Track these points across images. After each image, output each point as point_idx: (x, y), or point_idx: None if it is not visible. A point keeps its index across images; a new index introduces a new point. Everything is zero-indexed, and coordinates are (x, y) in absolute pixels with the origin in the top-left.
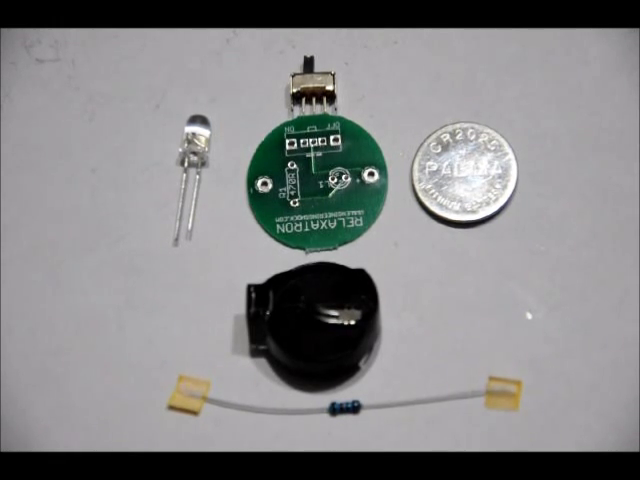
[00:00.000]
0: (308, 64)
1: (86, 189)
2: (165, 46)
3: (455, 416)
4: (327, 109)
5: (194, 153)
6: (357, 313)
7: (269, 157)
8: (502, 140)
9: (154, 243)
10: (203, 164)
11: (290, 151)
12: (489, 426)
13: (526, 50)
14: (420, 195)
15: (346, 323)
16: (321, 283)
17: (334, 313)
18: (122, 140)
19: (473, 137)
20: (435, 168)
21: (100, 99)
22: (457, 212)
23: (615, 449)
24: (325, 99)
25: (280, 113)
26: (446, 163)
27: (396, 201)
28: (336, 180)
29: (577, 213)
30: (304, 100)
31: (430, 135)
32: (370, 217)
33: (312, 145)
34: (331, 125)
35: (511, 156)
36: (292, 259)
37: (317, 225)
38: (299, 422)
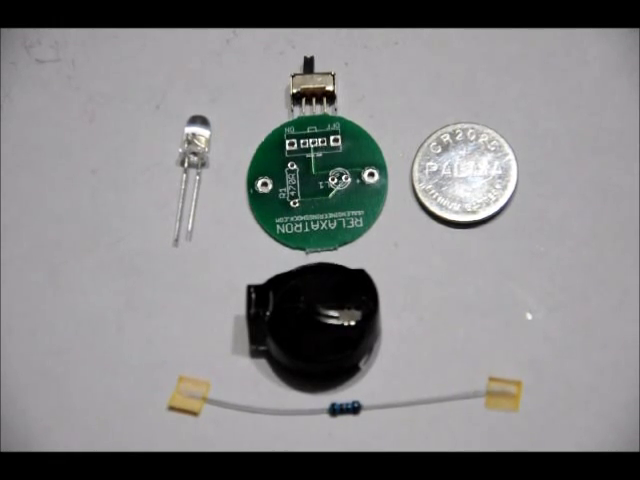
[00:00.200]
0: (308, 64)
1: (86, 189)
2: (165, 46)
3: (455, 416)
4: (327, 109)
5: (194, 153)
6: (357, 314)
7: (269, 157)
8: (502, 140)
9: (154, 243)
10: (203, 164)
11: (290, 151)
12: (489, 426)
13: (526, 50)
14: (420, 195)
15: (346, 324)
16: (321, 284)
17: (334, 314)
18: (122, 140)
19: (473, 137)
20: (435, 168)
21: (100, 99)
22: (457, 212)
23: (615, 449)
24: (325, 99)
25: (280, 113)
26: (446, 163)
27: (396, 201)
28: (336, 180)
29: (577, 213)
30: (304, 100)
31: (430, 135)
32: (370, 217)
33: (312, 145)
34: (331, 125)
35: (511, 156)
36: (292, 259)
37: (317, 225)
38: (299, 423)
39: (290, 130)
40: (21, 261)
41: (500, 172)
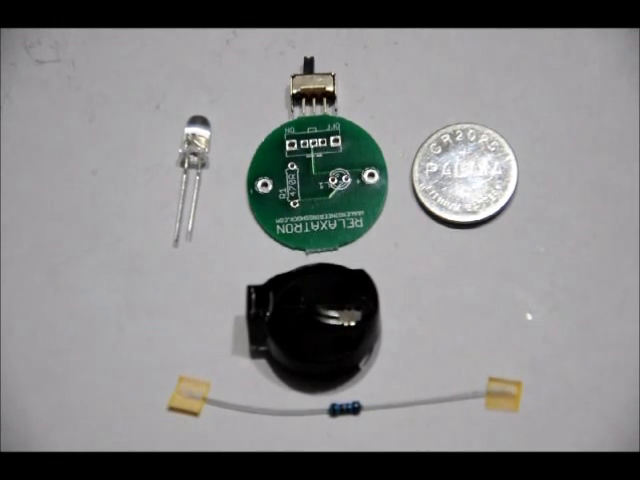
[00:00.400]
0: (308, 65)
1: (86, 190)
2: (165, 46)
3: (455, 417)
4: (327, 110)
5: (194, 154)
6: (357, 314)
7: (269, 158)
8: (502, 141)
9: (154, 244)
10: (203, 165)
11: (290, 152)
12: (489, 427)
13: (526, 50)
14: (420, 196)
15: (346, 324)
16: (321, 284)
17: (334, 314)
18: (122, 141)
19: (473, 138)
20: (435, 169)
21: (100, 100)
22: (457, 213)
23: (615, 449)
24: (325, 100)
25: (280, 114)
26: (446, 164)
27: (396, 202)
28: (336, 181)
29: (577, 214)
30: (304, 101)
31: (430, 136)
32: (370, 218)
33: (312, 146)
34: (331, 126)
35: (511, 157)
36: (292, 260)
37: (317, 226)
38: (299, 423)
39: (290, 130)
40: (21, 261)
41: (500, 172)
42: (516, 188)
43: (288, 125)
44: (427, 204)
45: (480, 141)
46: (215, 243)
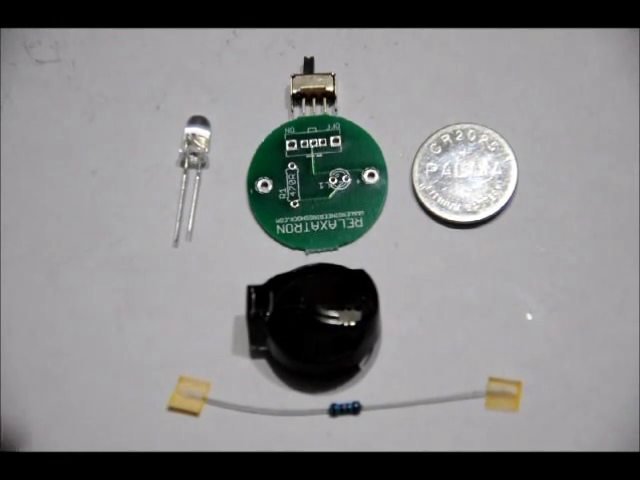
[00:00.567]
0: (308, 65)
1: (86, 190)
2: (165, 46)
3: (455, 417)
4: (327, 110)
5: (194, 154)
6: (357, 314)
7: (269, 158)
8: (502, 141)
9: (154, 244)
10: (203, 165)
11: (290, 152)
12: (489, 427)
13: (526, 50)
14: (420, 196)
15: (346, 324)
16: (321, 284)
17: (334, 314)
18: (122, 141)
19: (473, 138)
20: (435, 169)
21: (100, 100)
22: (457, 213)
23: (615, 449)
24: (325, 100)
25: (280, 114)
26: (446, 164)
27: (396, 202)
28: (336, 181)
29: (577, 213)
30: (304, 101)
31: (430, 136)
32: (370, 218)
33: (312, 146)
34: (331, 126)
35: (511, 157)
36: (292, 260)
37: (317, 226)
38: (299, 423)
39: (290, 130)
40: (21, 261)
41: (500, 172)
42: (516, 188)
43: (288, 125)
44: (427, 204)
45: (480, 141)
46: (215, 243)
